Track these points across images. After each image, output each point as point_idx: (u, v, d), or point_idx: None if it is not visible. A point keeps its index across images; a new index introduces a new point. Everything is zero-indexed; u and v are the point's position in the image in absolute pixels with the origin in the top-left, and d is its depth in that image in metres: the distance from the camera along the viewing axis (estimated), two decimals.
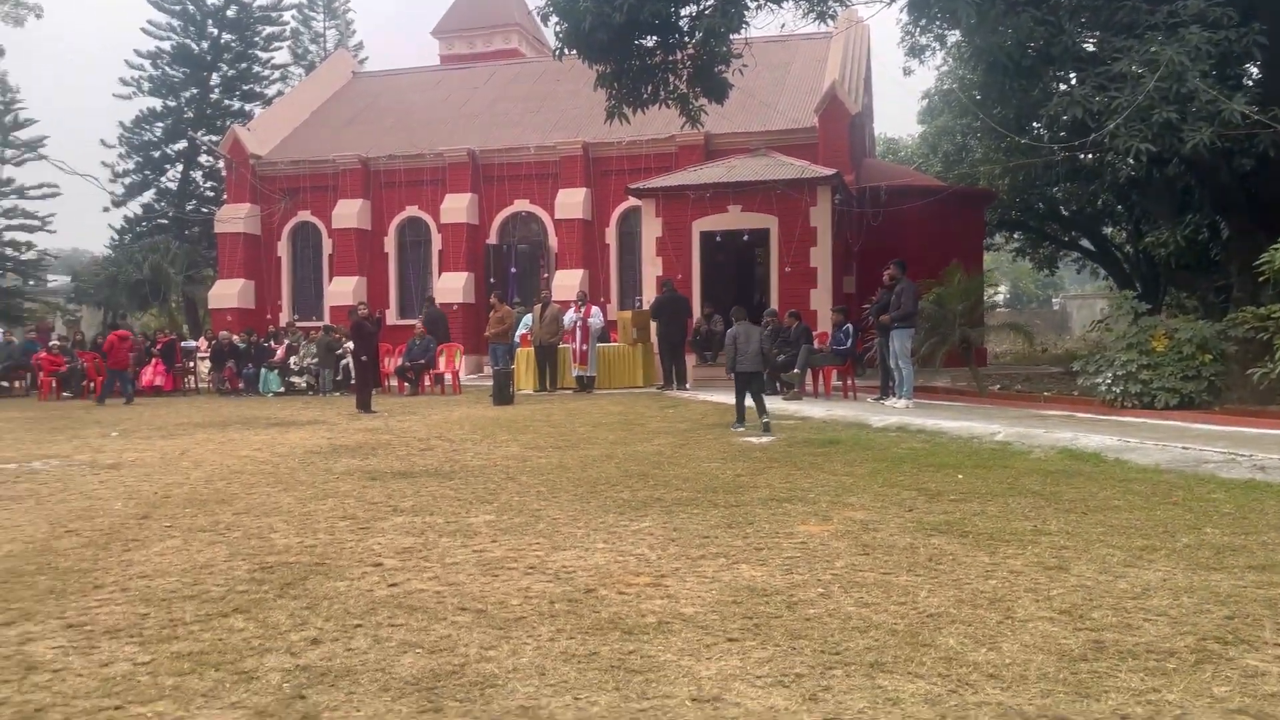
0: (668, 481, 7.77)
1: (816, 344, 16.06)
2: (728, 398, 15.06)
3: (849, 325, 15.46)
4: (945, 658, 3.80)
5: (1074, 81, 14.67)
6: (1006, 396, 14.20)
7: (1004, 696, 3.43)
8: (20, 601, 4.77)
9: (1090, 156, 18.46)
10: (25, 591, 4.95)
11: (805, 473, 8.07)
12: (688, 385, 17.51)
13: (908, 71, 22.05)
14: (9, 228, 36.36)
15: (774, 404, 14.05)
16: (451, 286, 25.15)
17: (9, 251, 36.52)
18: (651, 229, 19.77)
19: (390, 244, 26.61)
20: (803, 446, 9.69)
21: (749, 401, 11.36)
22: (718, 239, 19.47)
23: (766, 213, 18.94)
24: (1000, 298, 55.98)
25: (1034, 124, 21.09)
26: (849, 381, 15.43)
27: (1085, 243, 30.44)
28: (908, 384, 13.34)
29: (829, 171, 19.16)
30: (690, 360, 18.21)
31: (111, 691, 3.61)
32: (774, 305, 18.23)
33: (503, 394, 15.98)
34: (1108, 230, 29.48)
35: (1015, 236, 32.16)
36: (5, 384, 21.89)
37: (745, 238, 19.51)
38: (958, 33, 16.94)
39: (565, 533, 6.00)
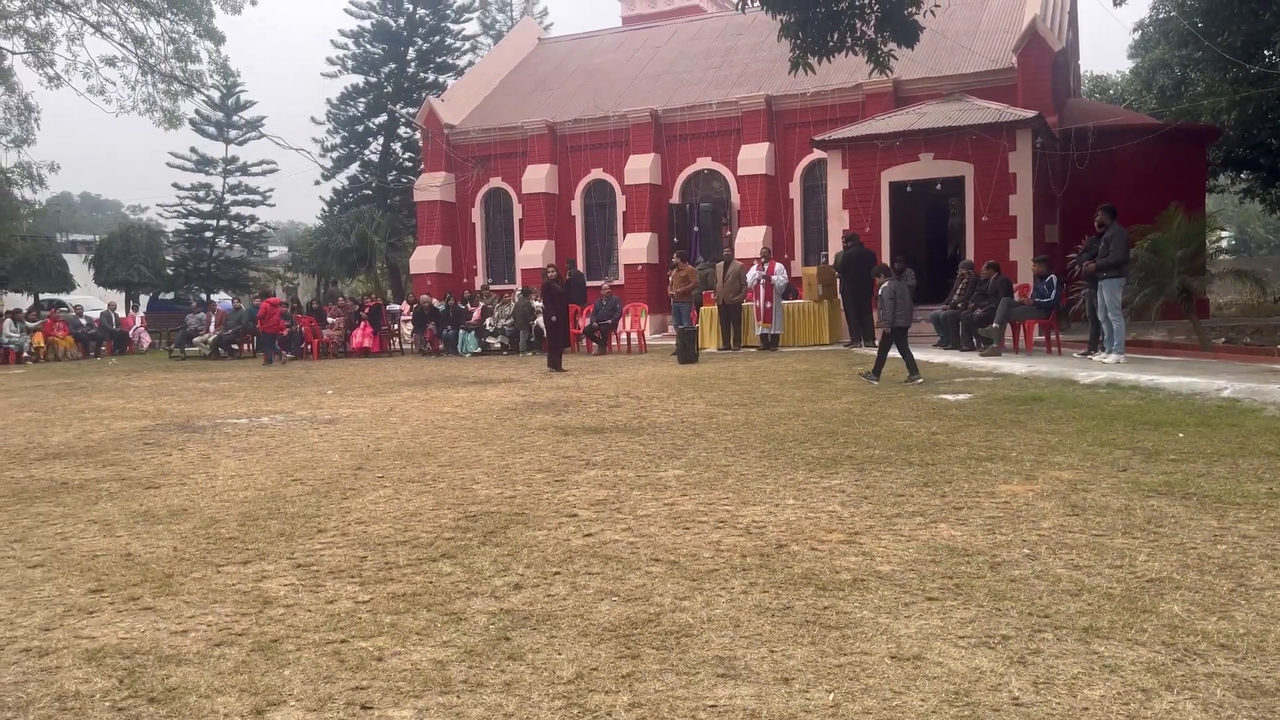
0: (858, 439, 7.61)
1: (1017, 296, 15.27)
2: (920, 355, 14.61)
3: (1052, 276, 14.60)
4: (1169, 625, 3.54)
5: None
6: (1233, 350, 13.06)
7: (1238, 668, 3.17)
8: (255, 543, 5.21)
9: None
10: (260, 534, 5.40)
11: (1006, 431, 7.71)
12: (876, 342, 17.04)
13: (1118, 1, 20.40)
14: (235, 203, 39.51)
15: (971, 360, 13.51)
16: (635, 247, 25.47)
17: (235, 225, 39.70)
18: (838, 181, 19.29)
19: (577, 207, 27.16)
20: (1002, 404, 9.26)
21: (892, 352, 11.60)
22: (908, 189, 18.79)
23: (961, 160, 18.09)
24: (1225, 243, 51.49)
25: (1266, 51, 19.13)
26: (1053, 336, 14.61)
27: None
28: (1119, 337, 12.48)
29: (1029, 113, 18.07)
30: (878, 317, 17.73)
31: (337, 626, 3.89)
32: (970, 257, 17.45)
33: (687, 352, 16.07)
34: None
35: (1243, 176, 29.45)
36: (235, 346, 23.89)
37: (938, 187, 18.73)
38: None
39: (754, 488, 5.98)
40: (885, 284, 11.60)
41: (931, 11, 15.24)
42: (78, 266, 38.48)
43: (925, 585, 4.07)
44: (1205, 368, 11.14)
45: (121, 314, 30.34)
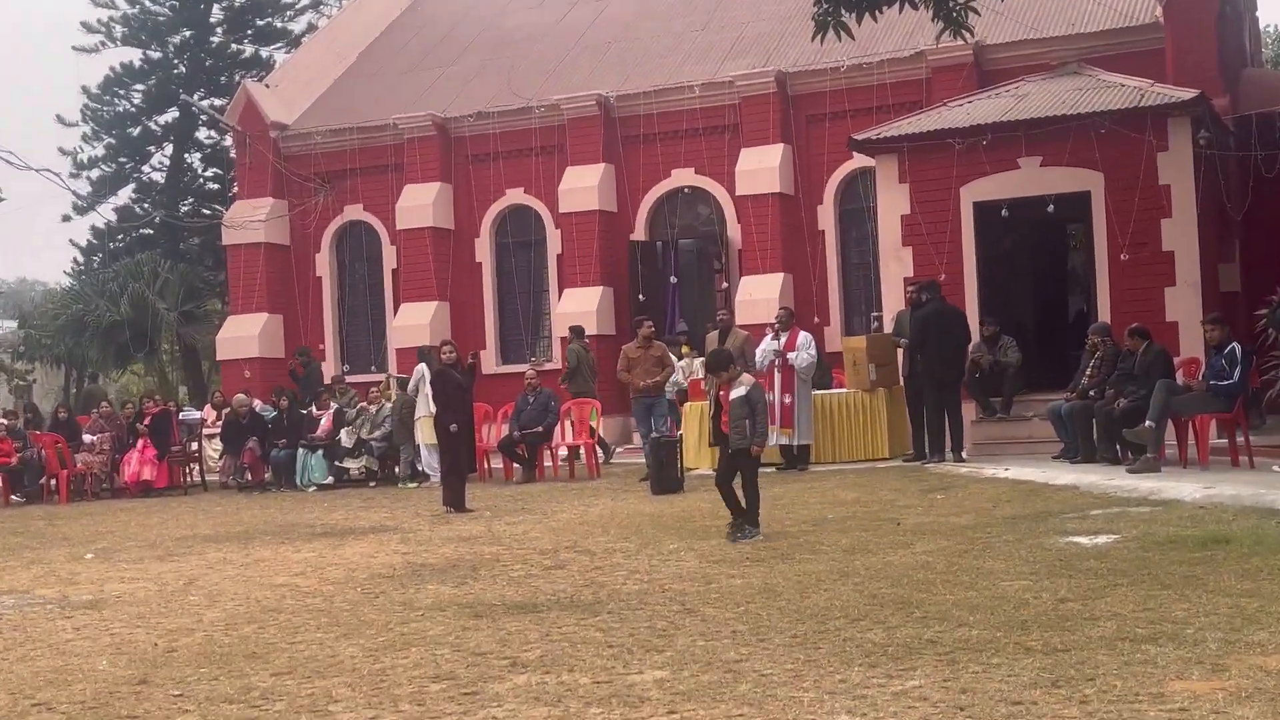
0: (944, 612, 7.63)
1: (1180, 378, 15.51)
2: (1034, 472, 14.73)
3: (1235, 346, 14.86)
4: None
5: None
6: None
7: None
8: None
9: None
10: None
11: (1176, 593, 7.78)
12: (964, 454, 17.18)
13: None
14: None
15: (1113, 479, 13.59)
16: (579, 310, 25.45)
17: None
18: (893, 203, 19.61)
19: (484, 248, 27.39)
20: (1168, 549, 9.34)
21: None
22: (1003, 213, 19.13)
23: (1084, 167, 18.48)
24: None
25: None
26: (1239, 438, 14.82)
27: None
28: None
29: (1187, 93, 18.54)
30: (967, 413, 17.84)
31: None
32: (1104, 318, 17.71)
33: (665, 476, 16.05)
34: None
35: None
36: None
37: (1050, 209, 19.08)
38: None
39: (784, 699, 5.95)
40: (743, 384, 11.53)
41: None
42: None
43: None
44: None
45: None
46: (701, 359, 19.37)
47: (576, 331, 22.75)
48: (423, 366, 19.46)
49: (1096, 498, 12.65)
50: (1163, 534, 10.04)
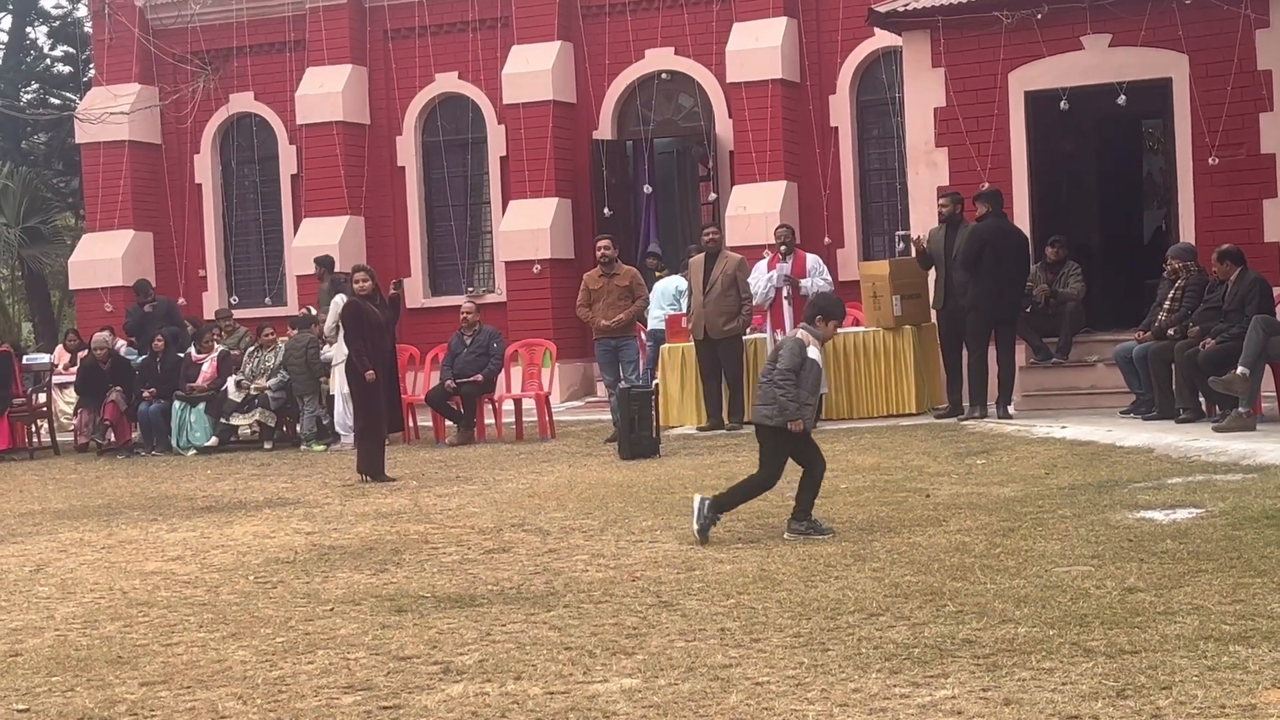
0: (984, 605, 7.69)
1: None
2: (1097, 430, 14.80)
3: None
4: None
5: None
6: None
7: None
8: None
9: None
10: None
11: (1272, 581, 7.83)
12: (1011, 408, 17.22)
13: None
14: None
15: (1197, 439, 13.65)
16: (528, 227, 25.43)
17: None
18: (924, 93, 19.54)
19: (408, 149, 27.24)
20: (1263, 526, 9.39)
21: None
22: (1063, 105, 19.11)
23: (1164, 47, 18.44)
24: None
25: None
26: None
27: None
28: None
29: None
30: (1017, 357, 17.82)
31: None
32: (1188, 238, 17.74)
33: (637, 437, 16.04)
34: None
35: None
36: None
37: (1121, 101, 19.08)
38: None
39: (784, 712, 5.99)
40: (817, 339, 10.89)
41: None
42: None
43: None
44: None
45: None
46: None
47: (325, 264, 22.65)
48: (341, 298, 19.27)
49: (1175, 462, 12.73)
50: (1257, 508, 10.10)
